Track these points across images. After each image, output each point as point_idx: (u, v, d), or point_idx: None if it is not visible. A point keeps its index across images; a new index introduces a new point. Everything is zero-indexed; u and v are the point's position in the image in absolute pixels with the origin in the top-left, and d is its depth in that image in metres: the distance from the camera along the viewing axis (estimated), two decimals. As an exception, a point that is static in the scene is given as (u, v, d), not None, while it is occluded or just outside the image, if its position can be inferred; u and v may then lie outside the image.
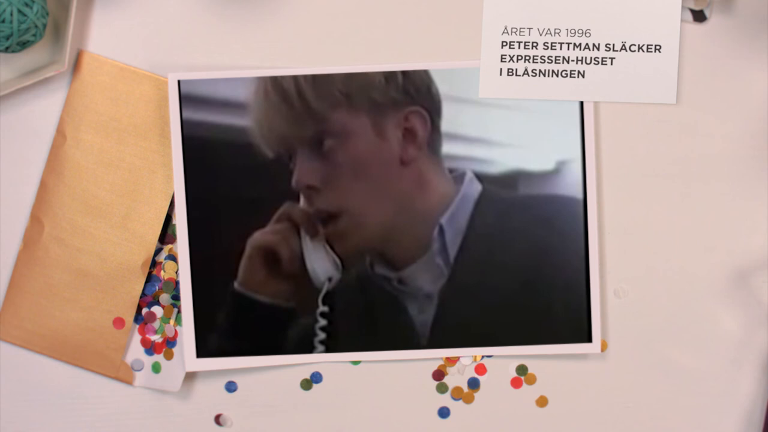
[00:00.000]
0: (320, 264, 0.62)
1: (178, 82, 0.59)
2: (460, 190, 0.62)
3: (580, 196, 0.61)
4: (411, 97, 0.62)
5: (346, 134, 0.61)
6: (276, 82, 0.60)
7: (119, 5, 0.63)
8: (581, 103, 0.61)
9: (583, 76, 0.61)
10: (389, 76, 0.61)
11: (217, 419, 0.63)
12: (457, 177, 0.62)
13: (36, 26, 0.59)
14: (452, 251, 0.62)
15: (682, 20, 0.61)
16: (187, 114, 0.60)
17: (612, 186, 0.62)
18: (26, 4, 0.58)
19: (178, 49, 0.62)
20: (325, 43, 0.61)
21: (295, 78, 0.60)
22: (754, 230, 0.62)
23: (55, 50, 0.63)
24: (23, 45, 0.58)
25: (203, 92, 0.61)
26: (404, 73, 0.61)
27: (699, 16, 0.61)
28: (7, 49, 0.58)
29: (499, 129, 0.62)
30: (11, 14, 0.58)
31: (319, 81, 0.61)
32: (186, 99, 0.60)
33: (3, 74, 0.63)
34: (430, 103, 0.61)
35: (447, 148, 0.61)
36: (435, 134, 0.61)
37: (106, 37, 0.63)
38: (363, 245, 0.61)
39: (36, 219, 0.63)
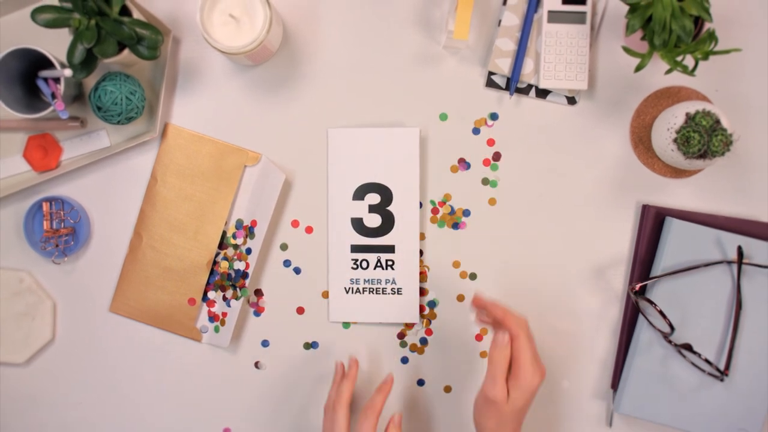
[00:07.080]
0: None
1: None
2: None
3: None
4: None
5: None
6: None
7: (192, 94, 0.71)
8: None
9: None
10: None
11: (256, 364, 0.72)
12: None
13: (137, 107, 0.68)
14: None
15: (559, 104, 0.69)
16: None
17: (528, 218, 0.70)
18: (131, 93, 0.68)
19: (229, 121, 0.71)
20: (330, 119, 0.70)
21: None
22: (610, 242, 0.70)
23: (150, 123, 0.71)
24: (129, 120, 0.68)
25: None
26: None
27: (572, 101, 0.70)
28: (118, 123, 0.68)
29: None
30: (121, 100, 0.67)
31: None
32: None
33: (116, 139, 0.71)
34: None
35: None
36: None
37: (183, 114, 0.71)
38: None
39: (137, 233, 0.71)
